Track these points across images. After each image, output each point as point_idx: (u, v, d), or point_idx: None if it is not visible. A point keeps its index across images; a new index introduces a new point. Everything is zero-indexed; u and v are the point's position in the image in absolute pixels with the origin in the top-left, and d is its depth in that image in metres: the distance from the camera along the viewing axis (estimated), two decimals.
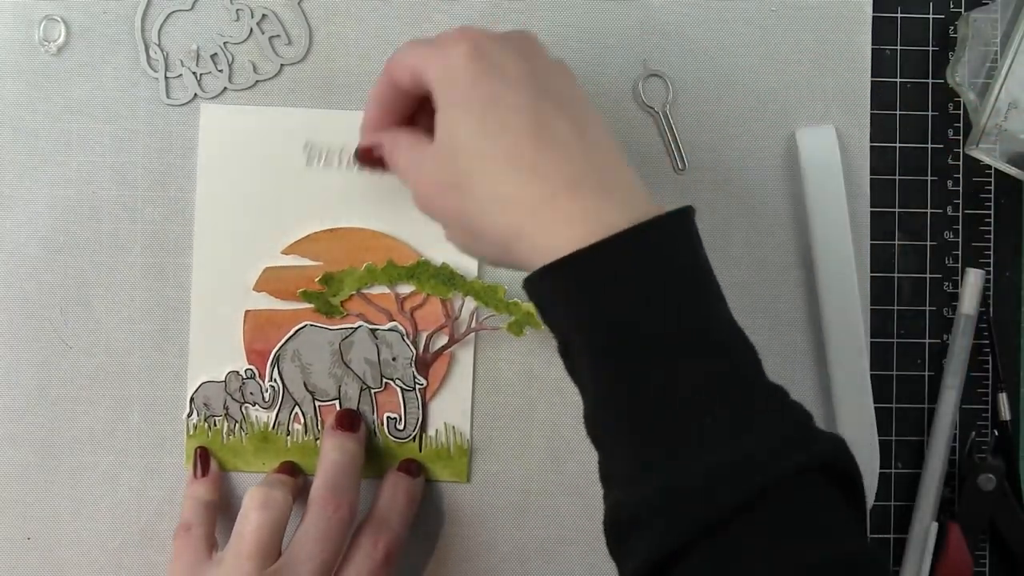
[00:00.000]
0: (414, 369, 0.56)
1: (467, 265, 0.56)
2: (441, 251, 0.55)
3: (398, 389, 0.56)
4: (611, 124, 0.56)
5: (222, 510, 0.55)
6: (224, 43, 0.56)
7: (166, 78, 0.56)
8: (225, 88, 0.56)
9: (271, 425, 0.56)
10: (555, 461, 0.57)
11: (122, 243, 0.56)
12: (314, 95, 0.56)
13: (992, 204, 0.58)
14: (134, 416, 0.56)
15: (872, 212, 0.58)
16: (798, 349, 0.57)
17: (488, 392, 0.57)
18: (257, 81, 0.56)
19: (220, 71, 0.56)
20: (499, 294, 0.55)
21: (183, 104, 0.56)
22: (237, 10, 0.56)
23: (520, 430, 0.57)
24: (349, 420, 0.54)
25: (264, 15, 0.56)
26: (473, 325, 0.56)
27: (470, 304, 0.56)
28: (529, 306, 0.54)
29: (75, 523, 0.56)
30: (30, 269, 0.56)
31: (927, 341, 0.58)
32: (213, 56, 0.56)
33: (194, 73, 0.56)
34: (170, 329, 0.56)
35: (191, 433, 0.56)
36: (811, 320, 0.57)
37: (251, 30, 0.56)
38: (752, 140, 0.57)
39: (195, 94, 0.56)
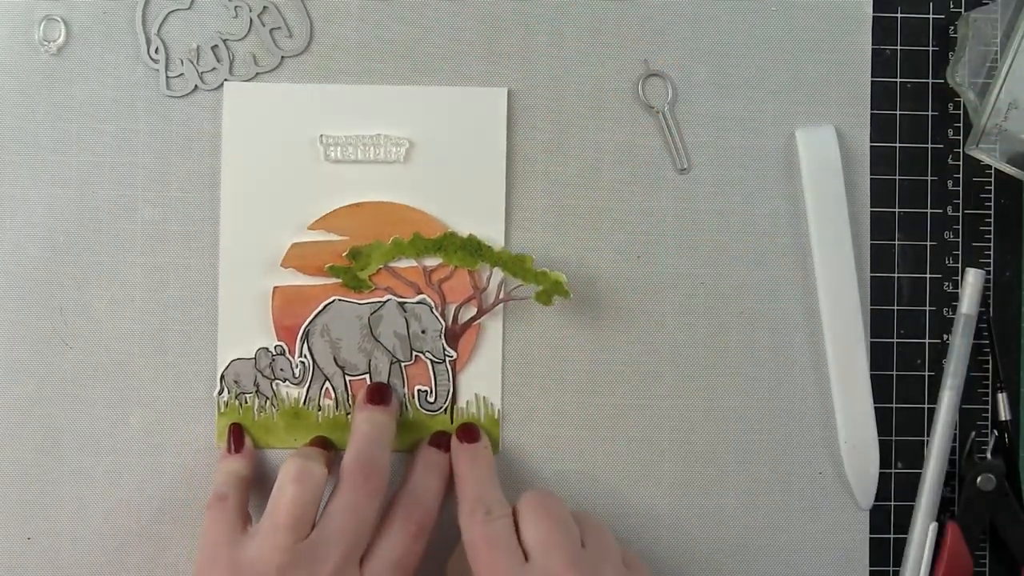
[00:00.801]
0: (444, 341, 0.56)
1: (494, 236, 0.56)
2: (467, 222, 0.56)
3: (428, 362, 0.56)
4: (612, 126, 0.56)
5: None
6: (224, 40, 0.56)
7: (167, 76, 0.56)
8: (225, 80, 0.56)
9: (302, 401, 0.56)
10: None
11: (122, 243, 0.56)
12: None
13: (992, 204, 0.58)
14: (134, 416, 0.56)
15: (872, 212, 0.58)
16: (798, 349, 0.57)
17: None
18: (258, 73, 0.56)
19: (220, 63, 0.56)
20: (527, 264, 0.55)
21: (183, 96, 0.56)
22: (235, 7, 0.56)
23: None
24: (380, 394, 0.55)
25: (265, 7, 0.56)
26: (501, 296, 0.56)
27: (498, 275, 0.56)
28: (558, 275, 0.54)
29: (75, 523, 0.56)
30: (30, 269, 0.56)
31: (927, 341, 0.58)
32: (214, 48, 0.56)
33: (195, 68, 0.56)
34: (170, 329, 0.56)
35: (222, 411, 0.56)
36: (811, 320, 0.57)
37: (251, 22, 0.56)
38: (752, 140, 0.57)
39: (195, 85, 0.56)
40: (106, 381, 0.56)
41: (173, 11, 0.56)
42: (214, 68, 0.56)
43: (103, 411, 0.56)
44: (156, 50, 0.55)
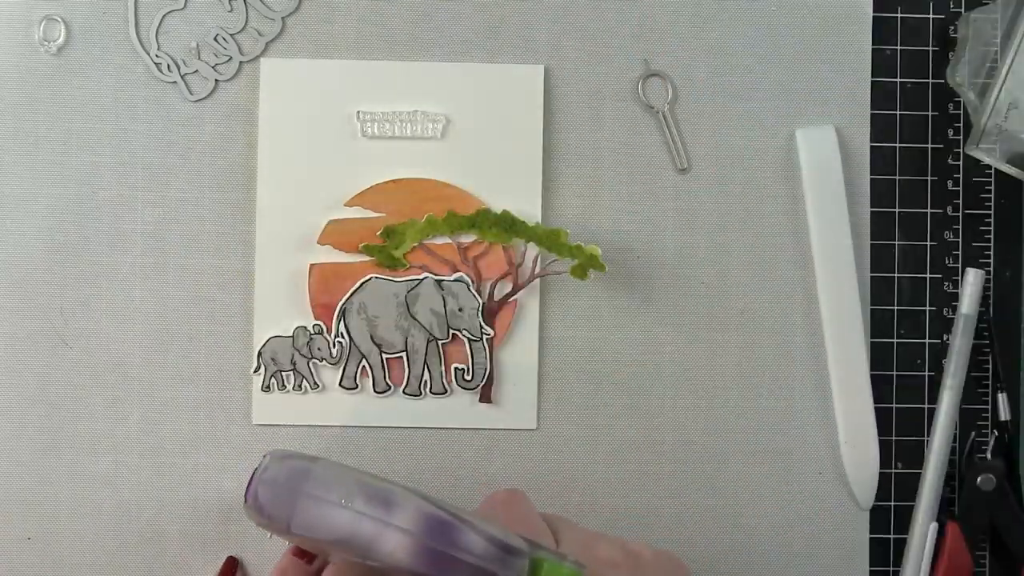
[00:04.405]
0: (480, 319, 0.56)
1: (531, 211, 0.56)
2: (504, 198, 0.56)
3: (465, 340, 0.56)
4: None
5: None
6: (221, 35, 0.56)
7: (185, 83, 0.56)
8: (241, 63, 0.56)
9: (339, 380, 0.56)
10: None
11: (122, 243, 0.56)
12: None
13: (992, 204, 0.58)
14: (134, 416, 0.56)
15: (872, 212, 0.58)
16: (798, 349, 0.57)
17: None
18: (267, 43, 0.56)
19: (226, 51, 0.56)
20: (561, 238, 0.55)
21: (206, 97, 0.56)
22: (230, 0, 0.56)
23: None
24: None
25: None
26: (537, 271, 0.56)
27: (533, 250, 0.56)
28: (593, 248, 0.54)
29: (75, 523, 0.56)
30: (30, 269, 0.56)
31: (927, 341, 0.58)
32: (216, 38, 0.56)
33: (208, 64, 0.56)
34: (170, 330, 0.56)
35: (261, 389, 0.56)
36: (811, 320, 0.57)
37: (246, 7, 0.56)
38: (752, 140, 0.57)
39: (215, 80, 0.56)
40: (106, 381, 0.56)
41: (169, 12, 0.56)
42: (232, 59, 0.56)
43: (103, 411, 0.56)
44: (168, 67, 0.56)
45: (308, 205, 0.56)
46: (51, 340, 0.56)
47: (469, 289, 0.55)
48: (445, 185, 0.56)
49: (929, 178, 0.58)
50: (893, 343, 0.58)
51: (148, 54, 0.56)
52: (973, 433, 0.58)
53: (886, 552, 0.58)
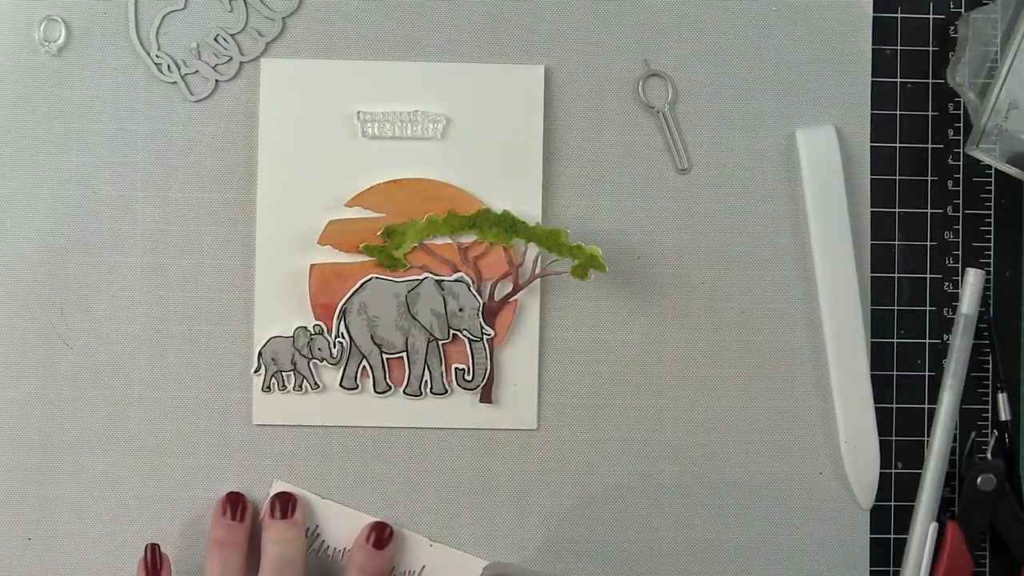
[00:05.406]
0: (481, 319, 0.56)
1: (531, 211, 0.56)
2: (504, 198, 0.56)
3: (466, 340, 0.56)
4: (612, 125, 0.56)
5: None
6: (221, 35, 0.56)
7: (185, 84, 0.56)
8: (241, 64, 0.56)
9: (339, 380, 0.56)
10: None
11: (122, 243, 0.56)
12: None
13: (992, 204, 0.58)
14: (134, 416, 0.56)
15: (872, 212, 0.58)
16: (798, 349, 0.57)
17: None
18: (267, 44, 0.56)
19: (227, 51, 0.56)
20: (562, 238, 0.55)
21: (206, 97, 0.56)
22: (230, 0, 0.56)
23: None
24: (283, 506, 0.55)
25: None
26: (537, 271, 0.56)
27: (533, 250, 0.56)
28: (593, 248, 0.54)
29: (75, 523, 0.56)
30: (30, 270, 0.56)
31: (927, 341, 0.58)
32: (216, 38, 0.56)
33: (208, 65, 0.56)
34: (170, 330, 0.56)
35: (262, 389, 0.56)
36: (811, 320, 0.57)
37: (246, 7, 0.56)
38: (752, 140, 0.57)
39: (216, 80, 0.56)
40: (106, 381, 0.56)
41: (169, 12, 0.56)
42: (228, 59, 0.56)
43: (103, 411, 0.56)
44: (168, 68, 0.56)
45: (308, 205, 0.56)
46: (51, 340, 0.56)
47: (469, 289, 0.55)
48: (445, 185, 0.56)
49: (929, 178, 0.58)
50: (893, 343, 0.58)
51: (148, 55, 0.56)
52: (973, 433, 0.58)
53: (886, 552, 0.58)
